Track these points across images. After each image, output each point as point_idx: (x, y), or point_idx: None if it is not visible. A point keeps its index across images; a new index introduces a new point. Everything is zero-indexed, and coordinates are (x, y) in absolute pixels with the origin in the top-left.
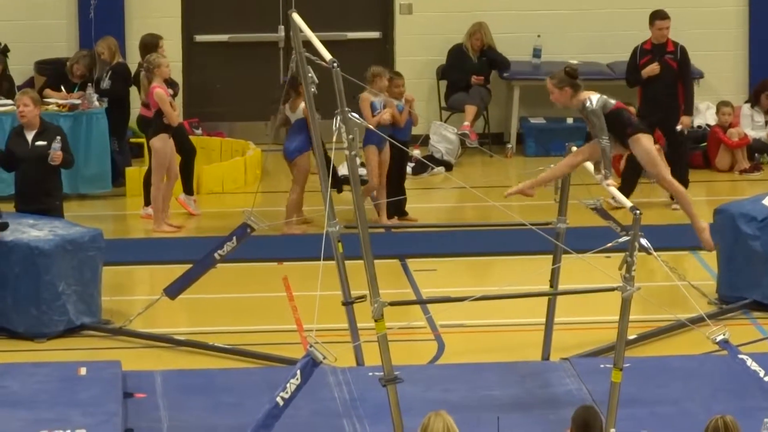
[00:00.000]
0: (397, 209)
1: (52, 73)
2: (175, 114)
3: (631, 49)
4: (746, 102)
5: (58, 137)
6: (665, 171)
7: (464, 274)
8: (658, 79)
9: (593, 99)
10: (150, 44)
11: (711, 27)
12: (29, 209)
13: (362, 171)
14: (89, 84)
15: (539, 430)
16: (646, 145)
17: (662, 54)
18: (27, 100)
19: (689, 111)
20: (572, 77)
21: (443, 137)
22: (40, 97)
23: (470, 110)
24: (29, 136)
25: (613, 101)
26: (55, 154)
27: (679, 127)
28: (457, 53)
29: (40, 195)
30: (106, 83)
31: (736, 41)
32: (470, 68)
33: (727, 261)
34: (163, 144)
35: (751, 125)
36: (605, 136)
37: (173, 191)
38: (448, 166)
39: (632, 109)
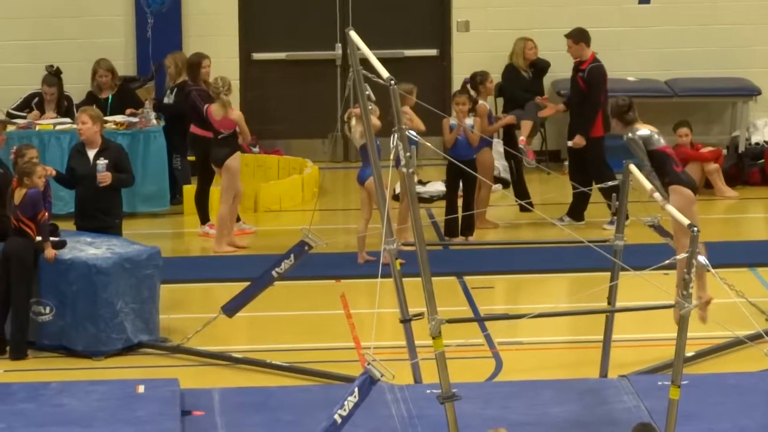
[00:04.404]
0: (465, 229)
1: (86, 99)
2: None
3: (690, 66)
4: None
5: (105, 160)
6: (684, 234)
7: (522, 291)
8: (570, 97)
9: (638, 132)
10: (195, 63)
11: None
12: (88, 227)
13: (419, 188)
14: (146, 101)
15: None
16: (679, 201)
17: (576, 72)
18: (85, 118)
19: (585, 131)
20: (623, 110)
21: (500, 155)
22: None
23: (525, 125)
24: (90, 153)
25: (662, 142)
26: (101, 175)
27: (569, 143)
28: (510, 71)
29: (98, 213)
30: (170, 99)
31: None
32: (525, 85)
33: None
34: (238, 163)
35: None
36: (645, 162)
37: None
38: (506, 184)
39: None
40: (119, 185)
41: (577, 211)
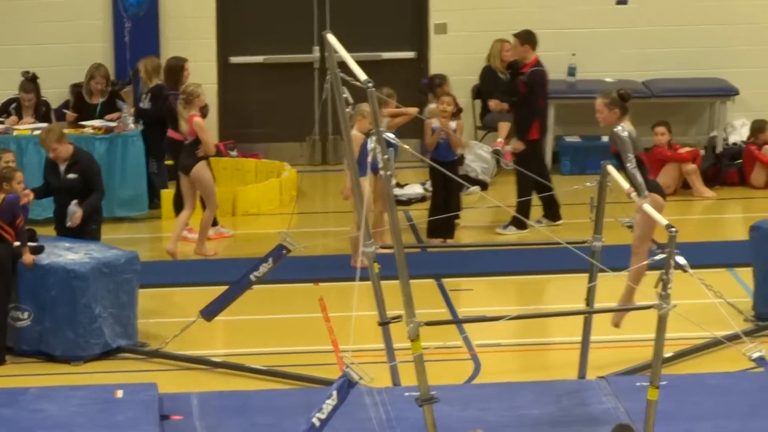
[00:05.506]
0: (445, 231)
1: (75, 102)
2: (212, 143)
3: (667, 67)
4: None
5: (75, 201)
6: (647, 239)
7: (500, 293)
8: (515, 101)
9: (629, 130)
10: (174, 67)
11: (746, 44)
12: (67, 234)
13: (397, 191)
14: (124, 104)
15: None
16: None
17: (517, 75)
18: (54, 146)
19: (522, 135)
20: (624, 101)
21: (478, 156)
22: (72, 118)
23: (503, 127)
24: (62, 167)
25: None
26: (73, 217)
27: (508, 148)
28: (487, 73)
29: None
30: (146, 104)
31: None
32: (502, 86)
33: (764, 278)
34: (204, 170)
35: None
36: (630, 158)
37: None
38: (484, 186)
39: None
40: (91, 212)
41: (552, 211)
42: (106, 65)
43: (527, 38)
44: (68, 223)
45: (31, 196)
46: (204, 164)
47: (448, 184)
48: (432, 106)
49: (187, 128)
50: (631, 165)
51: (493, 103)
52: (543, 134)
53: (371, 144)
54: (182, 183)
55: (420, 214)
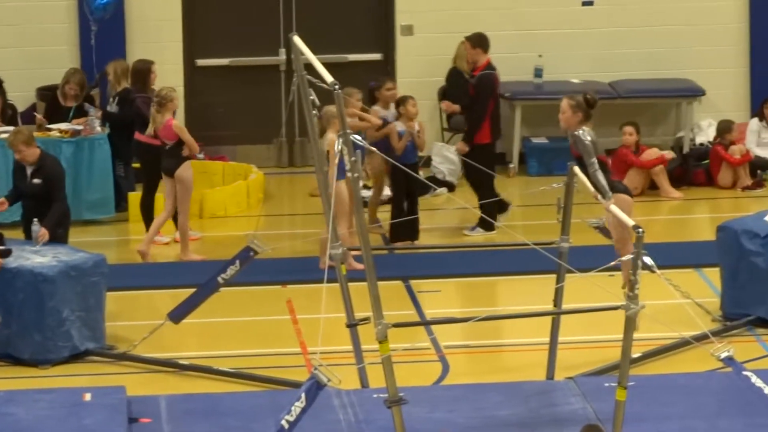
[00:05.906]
0: (411, 233)
1: (49, 103)
2: (195, 142)
3: (633, 67)
4: (754, 117)
5: (35, 219)
6: (626, 241)
7: (468, 294)
8: (466, 104)
9: (589, 135)
10: (141, 70)
11: (712, 44)
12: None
13: (365, 193)
14: (92, 107)
15: None
16: (621, 208)
17: (471, 78)
18: (21, 147)
19: (468, 138)
20: (590, 106)
21: (445, 158)
22: (43, 122)
23: None
24: (28, 171)
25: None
26: (39, 235)
27: (453, 150)
28: (454, 75)
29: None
30: (113, 107)
31: (737, 58)
32: (468, 88)
33: (731, 278)
34: (189, 170)
35: (757, 141)
36: (593, 162)
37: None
38: (451, 187)
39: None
40: (56, 224)
41: (501, 205)
42: (73, 69)
43: (478, 41)
44: (35, 244)
45: (6, 205)
46: (189, 164)
47: (411, 186)
48: (375, 108)
49: (154, 130)
50: (592, 168)
51: (444, 105)
52: (494, 138)
53: (338, 146)
54: (166, 185)
55: (387, 216)
